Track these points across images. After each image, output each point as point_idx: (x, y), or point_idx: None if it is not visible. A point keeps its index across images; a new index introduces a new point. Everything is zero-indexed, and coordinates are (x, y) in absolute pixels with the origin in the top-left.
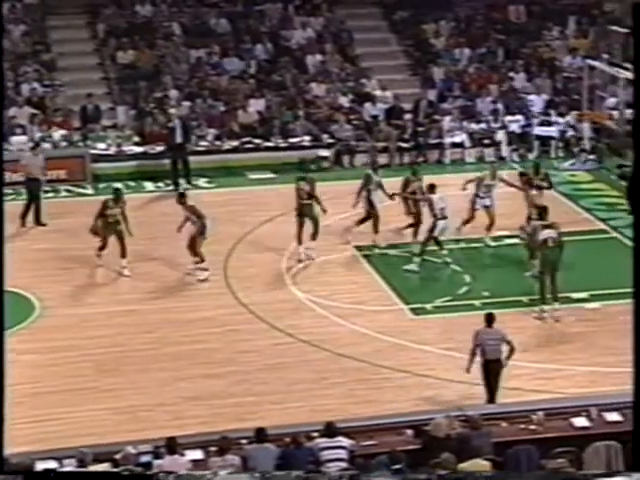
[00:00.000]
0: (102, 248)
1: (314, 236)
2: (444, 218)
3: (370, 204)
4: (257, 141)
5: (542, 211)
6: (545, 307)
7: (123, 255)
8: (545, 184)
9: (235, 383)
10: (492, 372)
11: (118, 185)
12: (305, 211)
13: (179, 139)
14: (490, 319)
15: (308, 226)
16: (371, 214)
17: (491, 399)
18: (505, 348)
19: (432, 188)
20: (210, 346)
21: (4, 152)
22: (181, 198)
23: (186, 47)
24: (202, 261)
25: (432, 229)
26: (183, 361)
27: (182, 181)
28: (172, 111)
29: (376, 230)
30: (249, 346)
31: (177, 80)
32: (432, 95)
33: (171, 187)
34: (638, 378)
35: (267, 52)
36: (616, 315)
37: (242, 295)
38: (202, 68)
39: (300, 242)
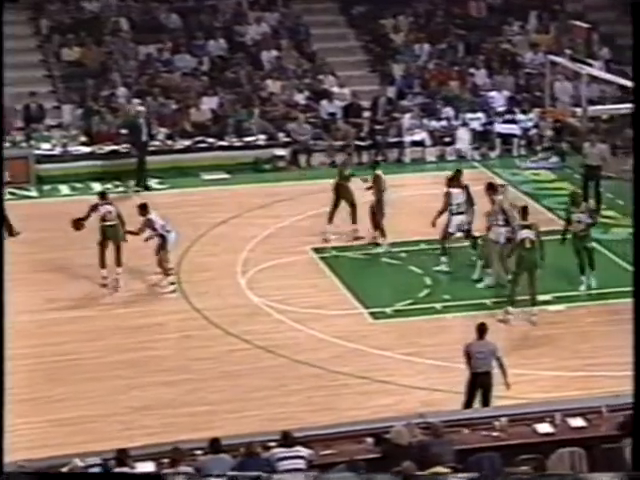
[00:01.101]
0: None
1: (353, 218)
2: (460, 214)
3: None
4: (210, 140)
5: (521, 211)
6: (510, 309)
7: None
8: (590, 220)
9: (189, 391)
10: (479, 385)
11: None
12: (340, 192)
13: (144, 137)
14: (482, 330)
15: (344, 207)
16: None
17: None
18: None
19: (451, 181)
20: (162, 353)
21: None
22: (142, 210)
23: (135, 43)
24: (166, 275)
25: (447, 225)
26: (134, 369)
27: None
28: (140, 109)
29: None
30: (203, 353)
31: (126, 78)
32: (391, 92)
33: (136, 188)
34: (638, 378)
35: (220, 48)
36: (581, 317)
37: (196, 300)
38: (152, 65)
39: (330, 221)
